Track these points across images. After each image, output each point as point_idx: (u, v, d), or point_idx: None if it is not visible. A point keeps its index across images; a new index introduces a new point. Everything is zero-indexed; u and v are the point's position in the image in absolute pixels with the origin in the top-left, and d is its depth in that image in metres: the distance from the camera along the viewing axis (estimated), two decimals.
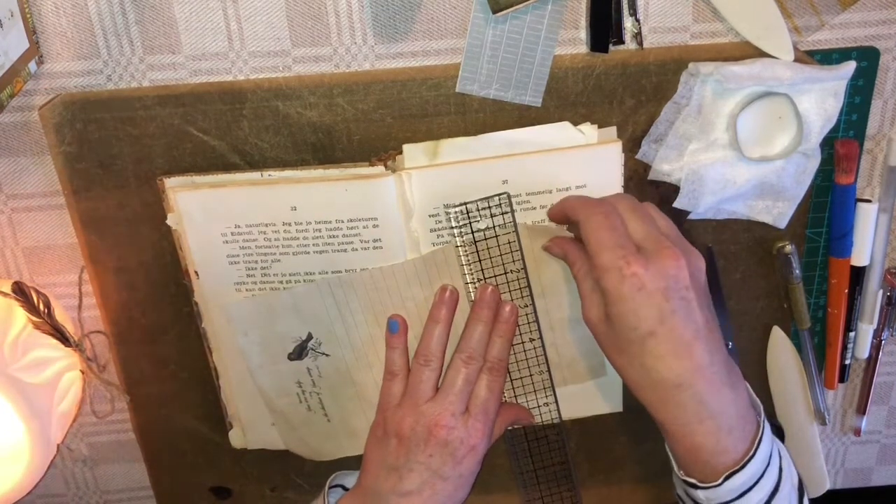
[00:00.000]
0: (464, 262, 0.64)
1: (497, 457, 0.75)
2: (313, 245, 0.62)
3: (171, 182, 0.62)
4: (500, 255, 0.64)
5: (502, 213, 0.62)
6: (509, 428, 0.69)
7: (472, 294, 0.64)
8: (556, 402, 0.69)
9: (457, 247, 0.63)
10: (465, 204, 0.62)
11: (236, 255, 0.63)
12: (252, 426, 0.71)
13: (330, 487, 0.66)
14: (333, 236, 0.62)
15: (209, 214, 0.62)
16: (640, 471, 0.78)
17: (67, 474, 0.77)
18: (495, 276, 0.64)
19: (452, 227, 0.63)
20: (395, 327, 0.65)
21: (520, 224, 0.62)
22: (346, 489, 0.66)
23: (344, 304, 0.64)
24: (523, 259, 0.64)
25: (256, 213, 0.61)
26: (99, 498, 0.78)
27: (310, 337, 0.66)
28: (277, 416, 0.70)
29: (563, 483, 0.73)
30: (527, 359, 0.67)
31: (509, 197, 0.62)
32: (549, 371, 0.68)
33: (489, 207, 0.62)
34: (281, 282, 0.64)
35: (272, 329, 0.66)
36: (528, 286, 0.65)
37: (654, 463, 0.77)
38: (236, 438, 0.72)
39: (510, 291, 0.64)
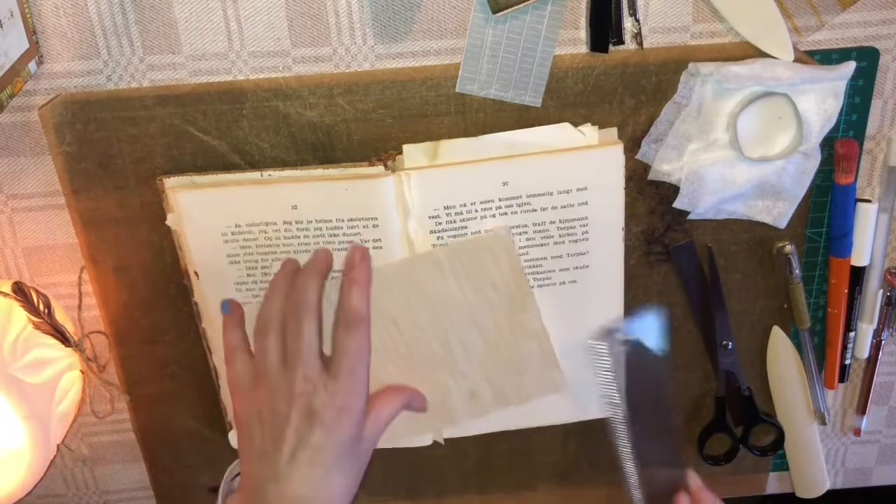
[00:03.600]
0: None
1: (496, 457, 0.75)
2: (314, 244, 0.62)
3: (171, 182, 0.61)
4: None
5: (502, 216, 0.62)
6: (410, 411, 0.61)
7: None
8: None
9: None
10: (464, 206, 0.62)
11: (237, 254, 0.63)
12: None
13: (233, 478, 0.61)
14: (334, 235, 0.62)
15: (209, 214, 0.62)
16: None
17: (67, 474, 0.77)
18: None
19: (451, 229, 0.62)
20: (227, 309, 0.59)
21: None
22: None
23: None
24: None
25: (257, 212, 0.61)
26: (99, 498, 0.78)
27: None
28: None
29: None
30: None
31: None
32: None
33: (489, 209, 0.62)
34: None
35: None
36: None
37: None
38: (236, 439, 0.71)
39: None
